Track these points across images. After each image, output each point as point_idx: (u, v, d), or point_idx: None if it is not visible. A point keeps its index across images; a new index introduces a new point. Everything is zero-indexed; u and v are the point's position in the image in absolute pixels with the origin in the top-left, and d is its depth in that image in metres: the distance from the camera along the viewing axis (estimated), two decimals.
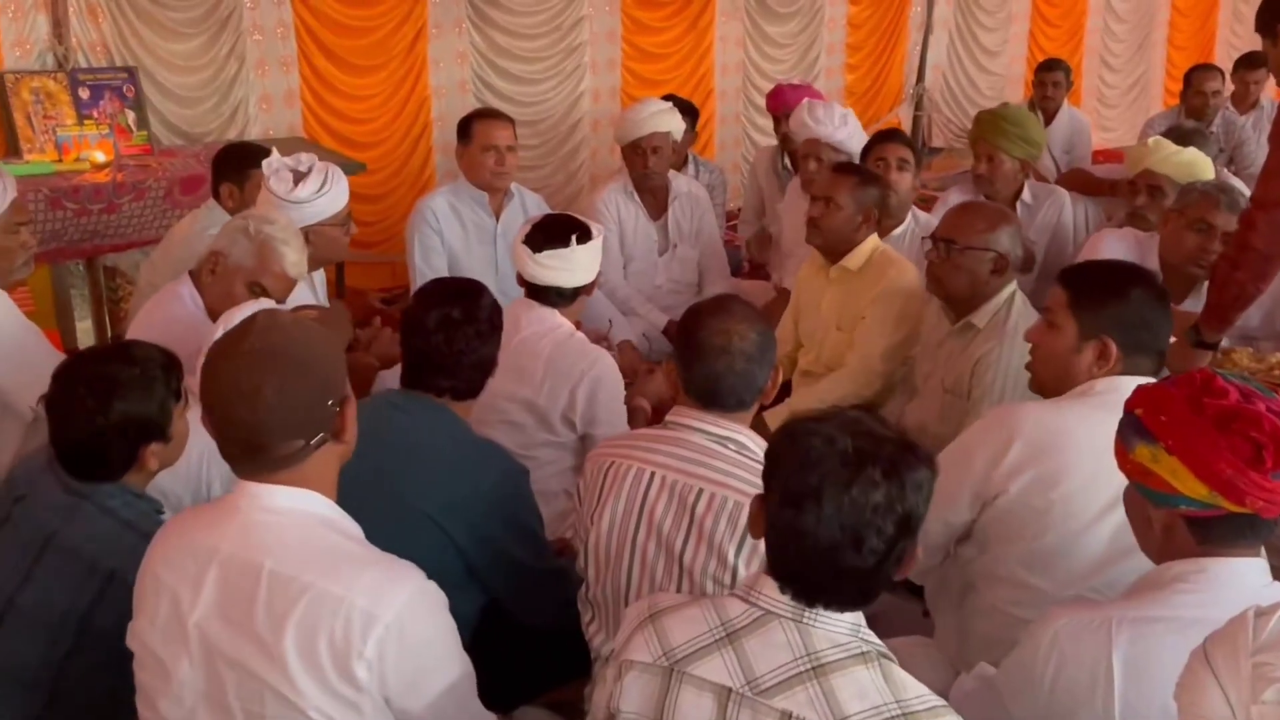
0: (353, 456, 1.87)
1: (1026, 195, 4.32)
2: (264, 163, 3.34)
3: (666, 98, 5.18)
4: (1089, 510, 2.06)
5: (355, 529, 1.77)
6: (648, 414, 3.24)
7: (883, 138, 4.23)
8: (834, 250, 3.59)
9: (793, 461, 1.51)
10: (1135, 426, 1.66)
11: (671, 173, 4.73)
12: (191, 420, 2.08)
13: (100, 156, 4.59)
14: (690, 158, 5.50)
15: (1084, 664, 1.63)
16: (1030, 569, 2.11)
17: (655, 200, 4.70)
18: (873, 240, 3.61)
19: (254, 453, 1.67)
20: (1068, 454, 2.07)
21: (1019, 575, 2.13)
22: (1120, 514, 1.85)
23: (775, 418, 3.51)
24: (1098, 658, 1.62)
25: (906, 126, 8.08)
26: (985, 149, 4.24)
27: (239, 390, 1.64)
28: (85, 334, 4.94)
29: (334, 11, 5.49)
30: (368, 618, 1.61)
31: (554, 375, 2.92)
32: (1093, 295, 2.22)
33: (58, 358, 3.13)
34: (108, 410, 2.00)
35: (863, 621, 1.55)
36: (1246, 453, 1.53)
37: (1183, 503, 1.60)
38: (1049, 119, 6.31)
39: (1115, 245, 3.54)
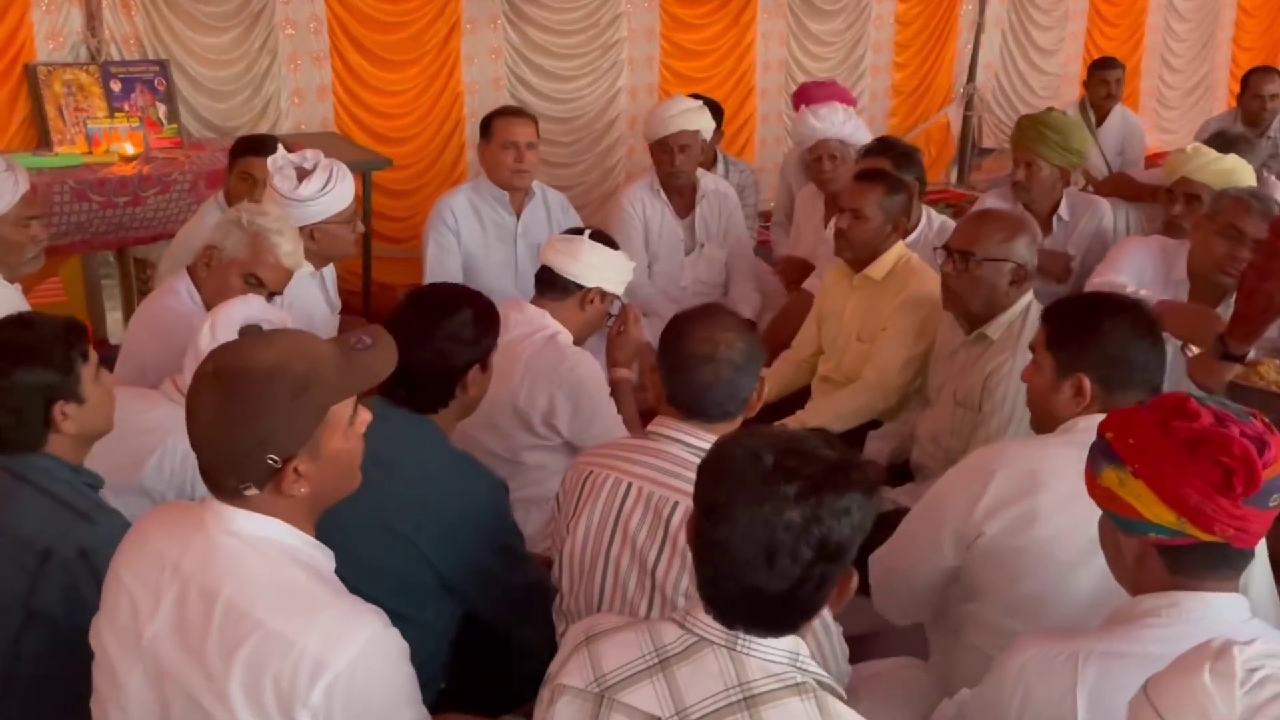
0: None
1: (1063, 210, 4.19)
2: (269, 160, 3.33)
3: (693, 97, 5.12)
4: (1069, 552, 1.98)
5: (325, 561, 1.71)
6: (631, 383, 3.17)
7: (871, 151, 4.10)
8: (861, 260, 3.50)
9: (713, 474, 1.49)
10: (1104, 450, 1.60)
11: (700, 171, 4.66)
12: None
13: (129, 149, 4.62)
14: (720, 156, 5.41)
15: (1050, 697, 1.59)
16: (1014, 615, 2.03)
17: (682, 199, 4.63)
18: (898, 248, 3.52)
19: (204, 473, 1.64)
20: (1046, 494, 2.00)
21: (1004, 623, 2.04)
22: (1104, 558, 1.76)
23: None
24: (1063, 692, 1.57)
25: (956, 127, 7.93)
26: (1024, 155, 4.11)
27: (190, 406, 1.62)
28: (116, 324, 4.99)
29: (367, 6, 5.48)
30: (316, 665, 1.54)
31: (532, 376, 2.87)
32: (1066, 332, 2.16)
33: None
34: (9, 376, 2.03)
35: (803, 650, 1.49)
36: (1215, 478, 1.47)
37: (1151, 530, 1.54)
38: (1101, 119, 6.13)
39: (1138, 253, 3.41)
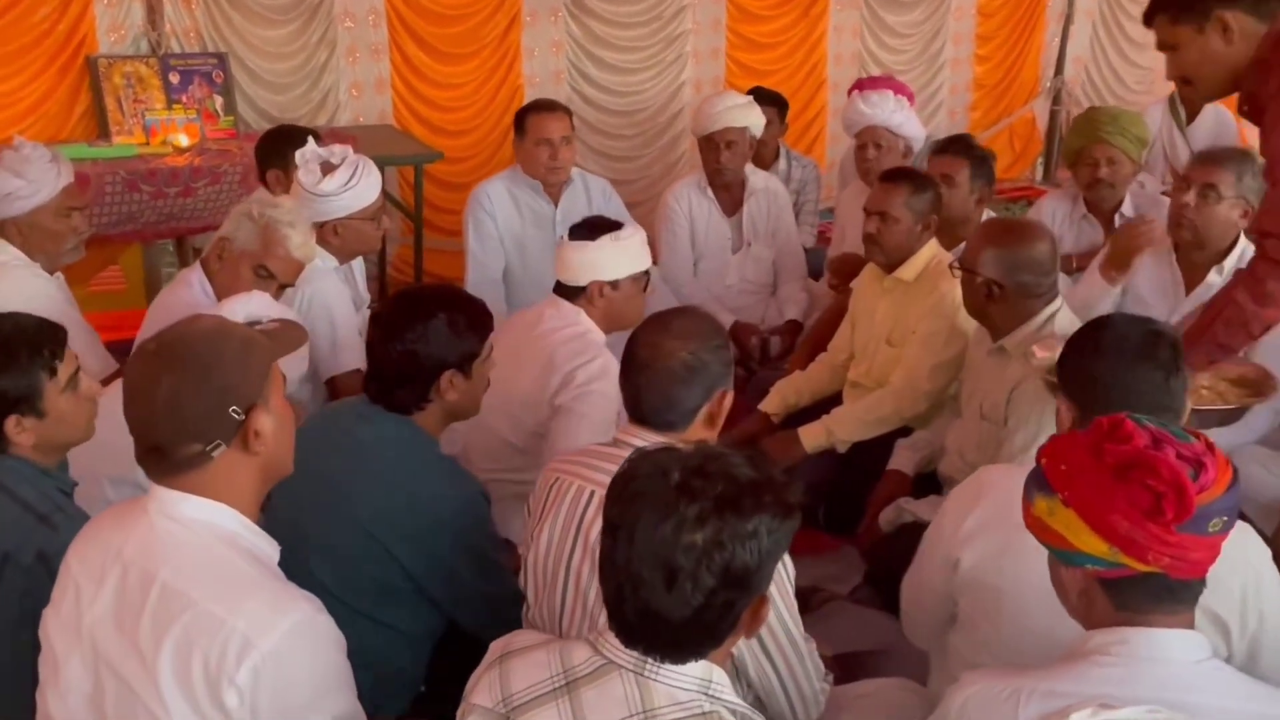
0: (309, 464, 1.83)
1: (1126, 207, 3.99)
2: (297, 153, 3.32)
3: (753, 90, 5.01)
4: (1042, 594, 1.80)
5: (266, 549, 1.71)
6: None
7: (938, 149, 3.91)
8: (893, 262, 3.38)
9: (618, 489, 1.43)
10: (1037, 477, 1.51)
11: (750, 168, 4.55)
12: None
13: (184, 140, 4.70)
14: (782, 151, 5.29)
15: None
16: (987, 651, 1.92)
17: (730, 196, 4.54)
18: (930, 248, 3.38)
19: (154, 455, 1.65)
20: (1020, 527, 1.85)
21: (979, 658, 1.92)
22: None
23: (810, 435, 3.32)
24: None
25: (1042, 122, 7.66)
26: (1104, 151, 3.90)
27: (136, 389, 1.63)
28: None
29: None
30: (244, 643, 1.54)
31: (551, 366, 2.84)
32: (1064, 355, 2.04)
33: (97, 347, 3.23)
34: None
35: (717, 676, 1.43)
36: (1145, 503, 1.38)
37: (1086, 561, 1.45)
38: (1192, 116, 5.82)
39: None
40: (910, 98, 4.60)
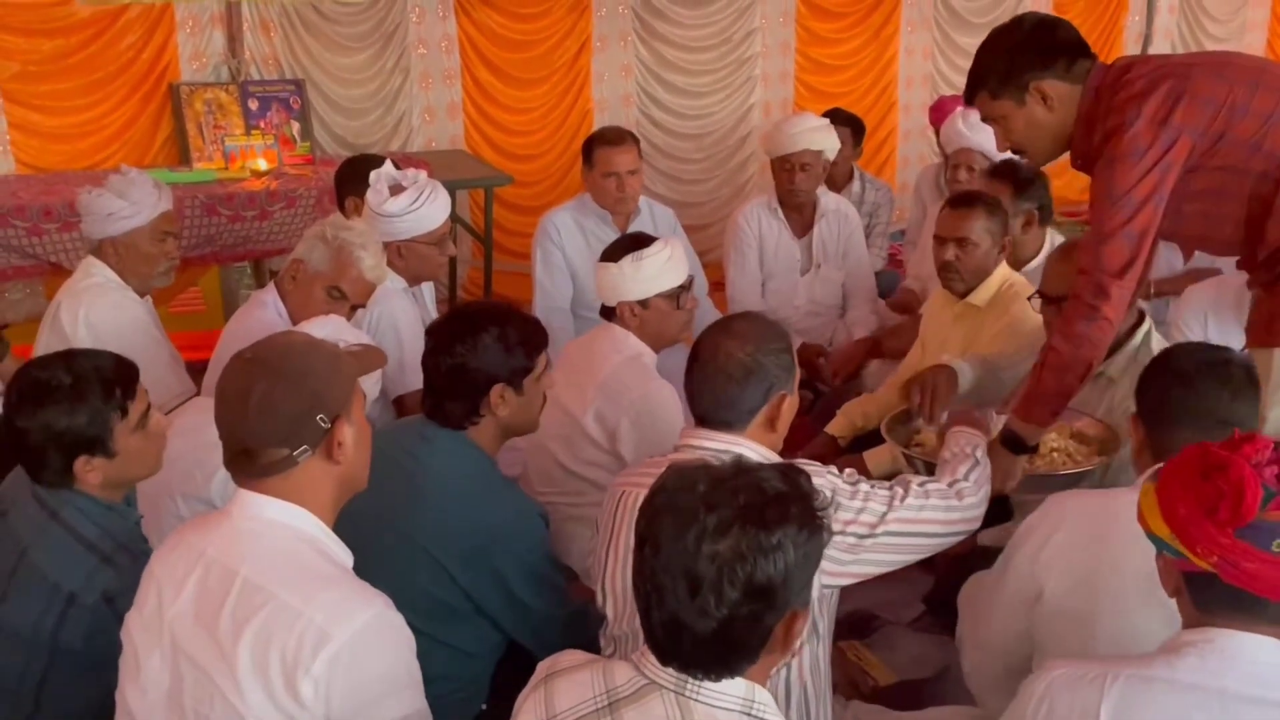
0: (370, 482, 1.86)
1: None
2: (372, 173, 3.37)
3: (829, 111, 4.98)
4: (1137, 609, 1.85)
5: (341, 554, 1.76)
6: None
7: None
8: (971, 287, 3.33)
9: (649, 501, 1.43)
10: (1154, 470, 1.61)
11: (821, 190, 4.52)
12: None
13: (263, 165, 4.80)
14: (856, 173, 5.26)
15: (1072, 713, 1.53)
16: None
17: (801, 217, 4.51)
18: (1001, 271, 3.33)
19: (241, 458, 1.70)
20: (1112, 546, 1.87)
21: None
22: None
23: (876, 459, 3.28)
24: (1086, 707, 1.52)
25: None
26: None
27: (229, 394, 1.70)
28: None
29: (498, 26, 5.56)
30: (321, 635, 1.59)
31: (604, 396, 2.85)
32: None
33: (179, 369, 3.30)
34: (32, 418, 2.00)
35: (758, 696, 1.41)
36: (1208, 500, 1.43)
37: (1159, 546, 1.51)
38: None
39: None
40: None
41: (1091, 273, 2.29)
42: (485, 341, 2.27)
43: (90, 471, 2.04)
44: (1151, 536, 1.52)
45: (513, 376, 2.30)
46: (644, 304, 2.93)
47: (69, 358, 2.09)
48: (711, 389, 2.02)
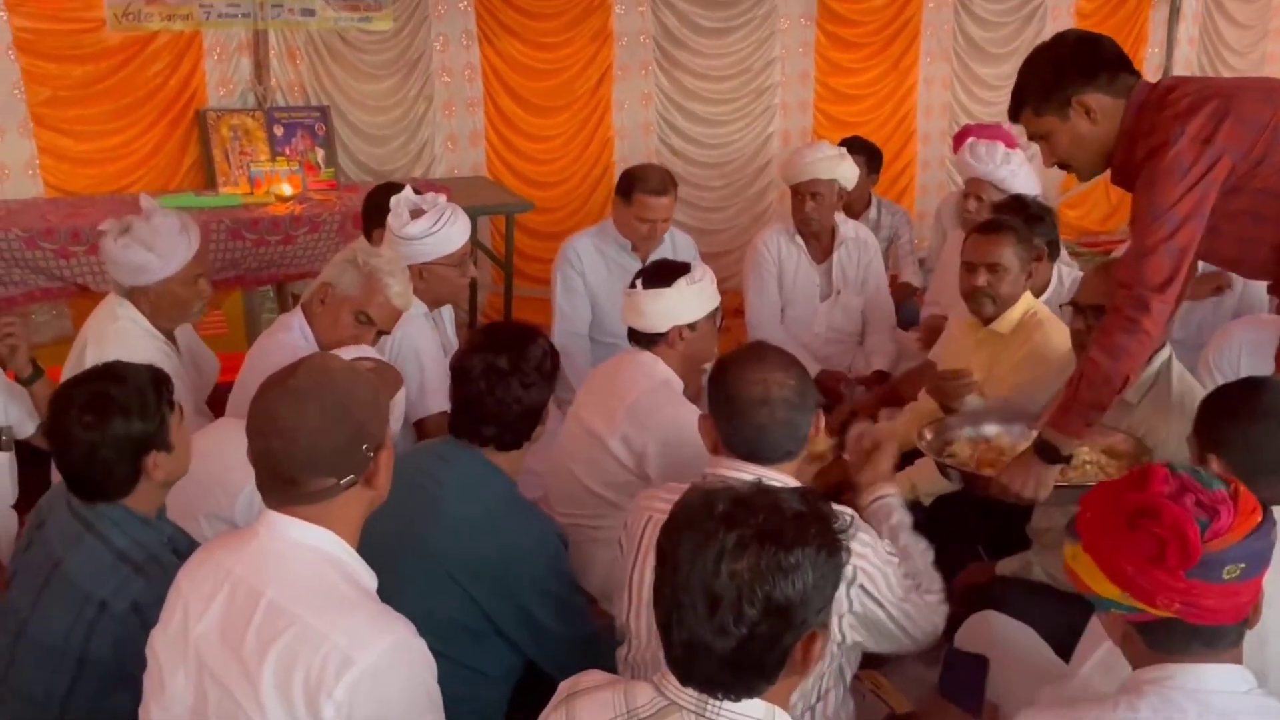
0: (389, 504, 1.88)
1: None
2: (393, 198, 3.41)
3: (846, 140, 5.01)
4: None
5: (366, 577, 1.78)
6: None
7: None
8: (1001, 312, 3.34)
9: (670, 520, 1.45)
10: (1070, 525, 1.57)
11: (840, 217, 4.55)
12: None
13: (287, 190, 4.86)
14: (873, 200, 5.29)
15: None
16: None
17: (820, 244, 4.53)
18: (1025, 299, 3.35)
19: (285, 485, 1.72)
20: None
21: None
22: None
23: (919, 474, 3.27)
24: None
25: None
26: None
27: (278, 424, 1.69)
28: None
29: (521, 54, 5.62)
30: (344, 659, 1.60)
31: (631, 419, 2.88)
32: (1201, 414, 2.12)
33: (200, 409, 3.32)
34: (104, 429, 2.07)
35: (779, 717, 1.42)
36: (1149, 550, 1.43)
37: (1109, 605, 1.50)
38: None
39: None
40: (1016, 147, 4.57)
41: (1133, 286, 2.31)
42: (530, 368, 2.35)
43: (157, 468, 2.12)
44: (1097, 599, 1.51)
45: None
46: (692, 326, 2.97)
47: (105, 372, 2.17)
48: (779, 420, 2.06)
